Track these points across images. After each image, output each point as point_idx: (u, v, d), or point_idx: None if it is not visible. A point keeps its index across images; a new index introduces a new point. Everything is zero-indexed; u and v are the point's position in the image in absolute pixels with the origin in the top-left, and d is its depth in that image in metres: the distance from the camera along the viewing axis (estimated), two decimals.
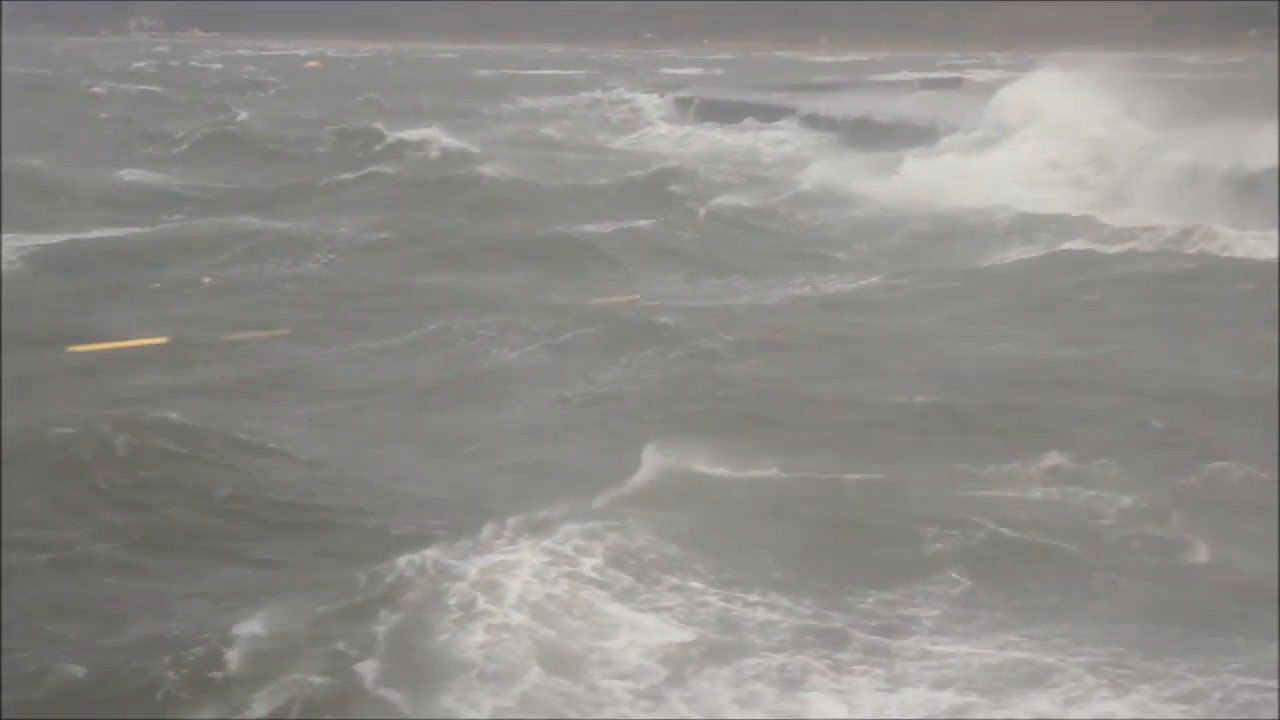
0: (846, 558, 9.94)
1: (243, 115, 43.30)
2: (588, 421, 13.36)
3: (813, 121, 42.65)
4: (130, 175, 32.34)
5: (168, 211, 26.61)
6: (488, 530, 9.72)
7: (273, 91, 61.43)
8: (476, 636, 8.29)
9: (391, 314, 18.01)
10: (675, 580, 9.34)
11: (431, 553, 9.28)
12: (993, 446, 12.28)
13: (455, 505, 10.70)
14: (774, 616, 8.94)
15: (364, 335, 17.04)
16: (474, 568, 9.13)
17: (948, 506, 10.78)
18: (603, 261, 21.92)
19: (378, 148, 34.66)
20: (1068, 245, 23.00)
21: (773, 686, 8.14)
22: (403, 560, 9.16)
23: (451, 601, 8.74)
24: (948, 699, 7.92)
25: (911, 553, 10.02)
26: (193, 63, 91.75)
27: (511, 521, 9.86)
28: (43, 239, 22.99)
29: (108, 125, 45.36)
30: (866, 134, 37.03)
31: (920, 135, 34.24)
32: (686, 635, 8.61)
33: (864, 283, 20.46)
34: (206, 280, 20.50)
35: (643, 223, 24.92)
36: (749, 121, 44.74)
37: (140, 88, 63.72)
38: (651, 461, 11.21)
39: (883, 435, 12.67)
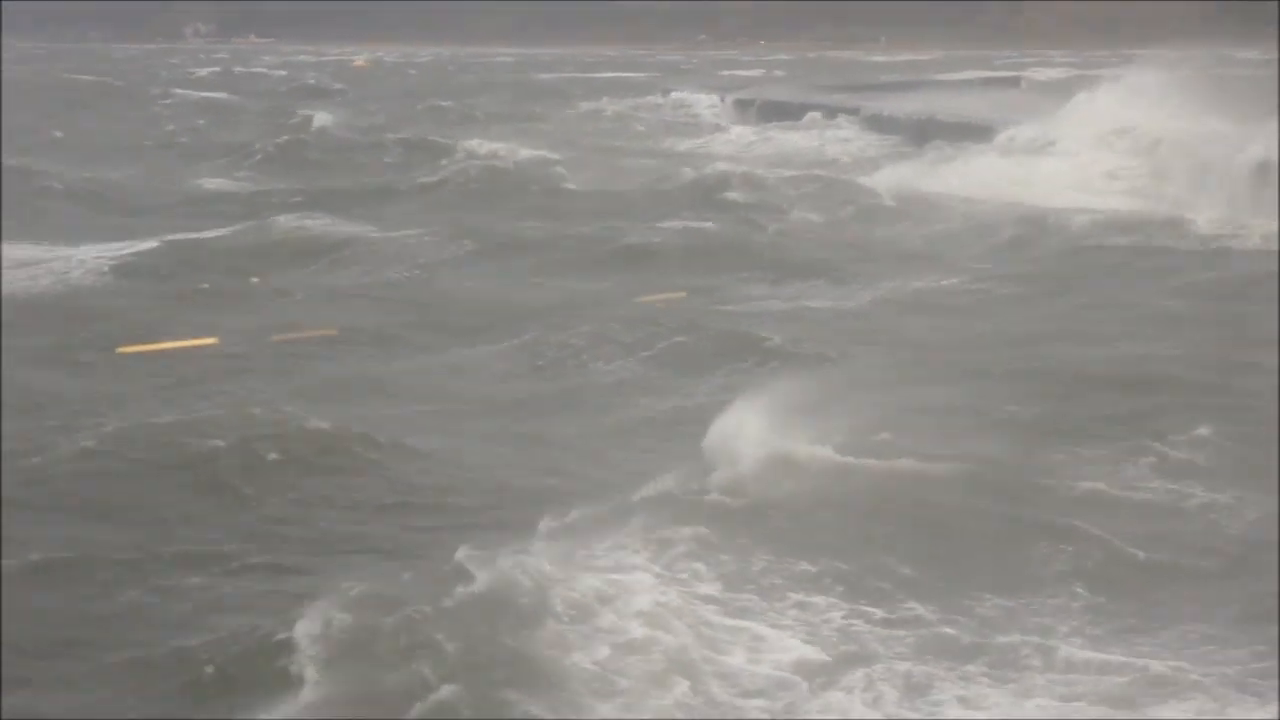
0: (965, 561, 10.01)
1: (316, 123, 43.60)
2: (690, 428, 13.50)
3: (877, 122, 42.60)
4: (210, 184, 32.66)
5: (246, 219, 26.86)
6: (616, 532, 10.01)
7: (338, 99, 61.88)
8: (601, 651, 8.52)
9: (480, 320, 18.15)
10: (800, 596, 9.45)
11: (536, 561, 9.50)
12: (1101, 448, 12.34)
13: (584, 502, 10.88)
14: (899, 633, 9.01)
15: (456, 342, 17.22)
16: (591, 577, 9.36)
17: (1059, 509, 10.84)
18: (683, 266, 21.96)
19: (444, 161, 34.77)
20: (1150, 246, 23.00)
21: (896, 690, 8.26)
22: (523, 563, 9.39)
23: (577, 608, 8.97)
24: (1079, 711, 7.90)
25: (1027, 558, 10.08)
26: (256, 69, 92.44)
27: (640, 524, 10.18)
28: (130, 246, 23.29)
29: (183, 134, 45.71)
30: (932, 134, 36.93)
31: (985, 136, 34.18)
32: (812, 651, 8.70)
33: (946, 284, 20.49)
34: (255, 280, 20.79)
35: (717, 227, 25.00)
36: (813, 121, 44.67)
37: (208, 95, 64.29)
38: (756, 464, 11.38)
39: (986, 436, 12.71)
